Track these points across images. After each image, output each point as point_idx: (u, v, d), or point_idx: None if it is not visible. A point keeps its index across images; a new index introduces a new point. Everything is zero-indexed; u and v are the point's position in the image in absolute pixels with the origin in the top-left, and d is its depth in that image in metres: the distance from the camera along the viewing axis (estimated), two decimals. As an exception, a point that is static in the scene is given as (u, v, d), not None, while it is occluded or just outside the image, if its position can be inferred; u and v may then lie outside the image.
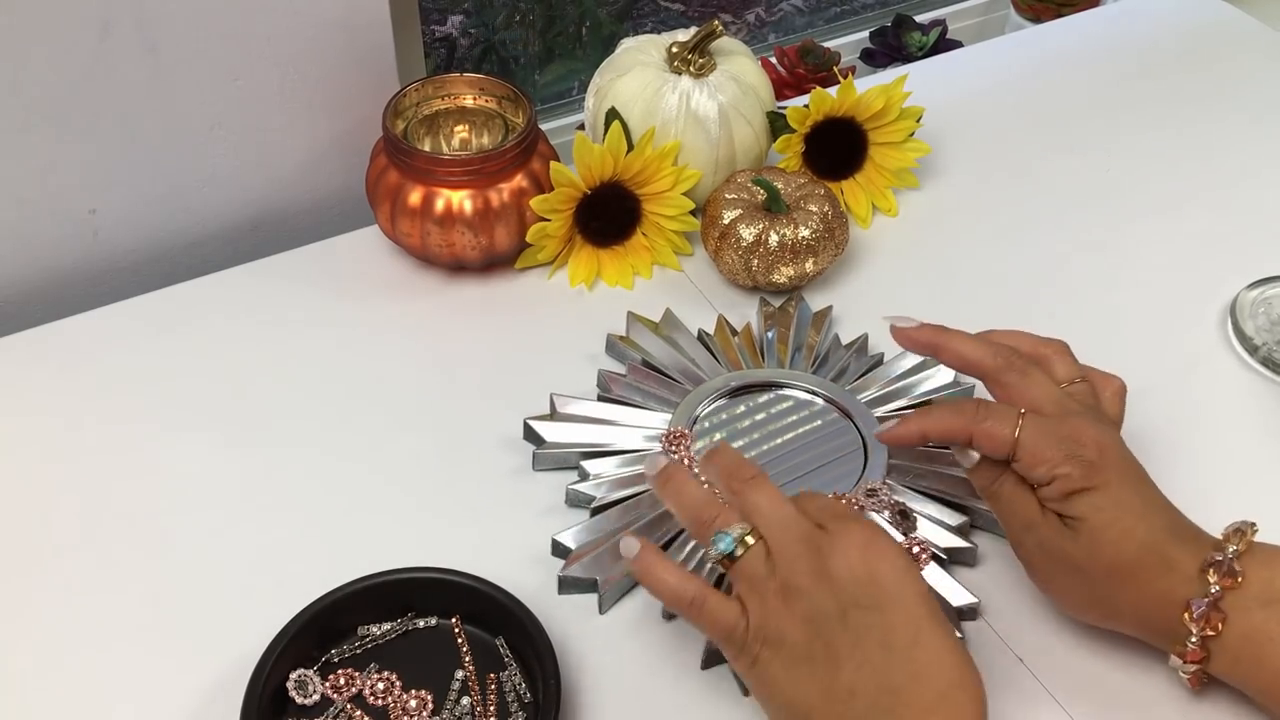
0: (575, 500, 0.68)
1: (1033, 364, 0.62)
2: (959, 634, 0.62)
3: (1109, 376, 0.65)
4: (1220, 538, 0.58)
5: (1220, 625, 0.55)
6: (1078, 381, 0.63)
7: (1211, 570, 0.56)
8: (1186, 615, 0.56)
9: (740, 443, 0.70)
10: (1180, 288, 0.84)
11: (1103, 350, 0.79)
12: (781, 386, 0.73)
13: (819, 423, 0.72)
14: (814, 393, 0.73)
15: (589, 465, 0.69)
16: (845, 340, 0.77)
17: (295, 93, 0.84)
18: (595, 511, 0.68)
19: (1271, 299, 0.81)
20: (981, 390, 0.65)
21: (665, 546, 0.65)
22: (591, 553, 0.65)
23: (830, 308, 0.80)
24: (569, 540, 0.66)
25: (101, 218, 0.83)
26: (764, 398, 0.73)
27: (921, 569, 0.55)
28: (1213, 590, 0.55)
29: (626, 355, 0.76)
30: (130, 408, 0.74)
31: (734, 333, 0.77)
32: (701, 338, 0.77)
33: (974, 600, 0.64)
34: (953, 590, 0.64)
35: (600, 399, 0.73)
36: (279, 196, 0.89)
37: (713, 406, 0.72)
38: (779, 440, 0.71)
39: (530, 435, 0.71)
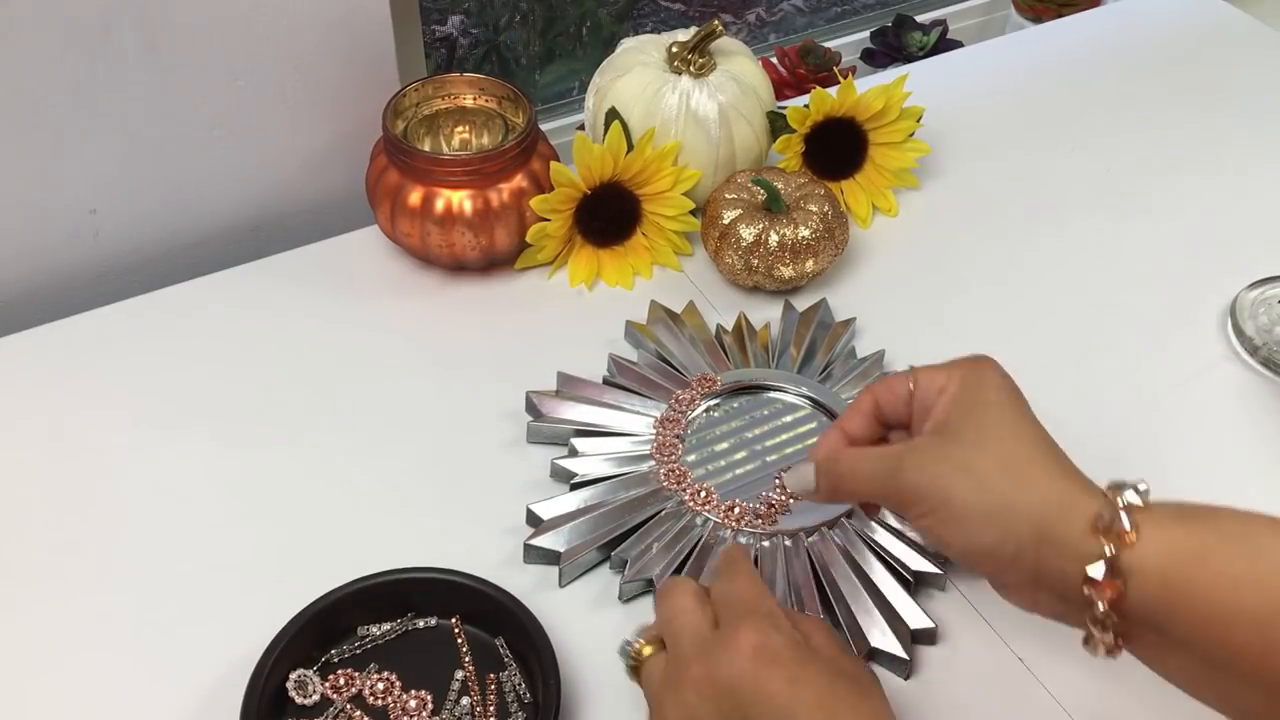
0: (558, 474, 0.69)
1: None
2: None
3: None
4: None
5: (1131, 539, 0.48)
6: None
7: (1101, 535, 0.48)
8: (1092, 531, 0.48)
9: (728, 443, 0.71)
10: (1180, 288, 0.84)
11: (1103, 350, 0.79)
12: (780, 390, 0.73)
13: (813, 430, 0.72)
14: (814, 403, 0.73)
15: (579, 443, 0.70)
16: (861, 354, 0.77)
17: (295, 93, 0.84)
18: (575, 488, 0.68)
19: (1271, 299, 0.81)
20: None
21: (624, 536, 0.66)
22: (560, 526, 0.66)
23: (853, 320, 0.79)
24: (542, 511, 0.67)
25: (101, 218, 0.83)
26: (765, 408, 0.73)
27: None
28: (1108, 552, 0.48)
29: (642, 344, 0.77)
30: (130, 408, 0.74)
31: (753, 334, 0.77)
32: (719, 335, 0.78)
33: (931, 624, 0.63)
34: (911, 613, 0.63)
35: (606, 383, 0.74)
36: (279, 196, 0.89)
37: (710, 403, 0.72)
38: (769, 443, 0.71)
39: (530, 408, 0.73)
